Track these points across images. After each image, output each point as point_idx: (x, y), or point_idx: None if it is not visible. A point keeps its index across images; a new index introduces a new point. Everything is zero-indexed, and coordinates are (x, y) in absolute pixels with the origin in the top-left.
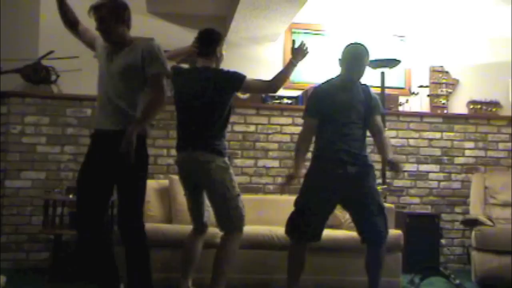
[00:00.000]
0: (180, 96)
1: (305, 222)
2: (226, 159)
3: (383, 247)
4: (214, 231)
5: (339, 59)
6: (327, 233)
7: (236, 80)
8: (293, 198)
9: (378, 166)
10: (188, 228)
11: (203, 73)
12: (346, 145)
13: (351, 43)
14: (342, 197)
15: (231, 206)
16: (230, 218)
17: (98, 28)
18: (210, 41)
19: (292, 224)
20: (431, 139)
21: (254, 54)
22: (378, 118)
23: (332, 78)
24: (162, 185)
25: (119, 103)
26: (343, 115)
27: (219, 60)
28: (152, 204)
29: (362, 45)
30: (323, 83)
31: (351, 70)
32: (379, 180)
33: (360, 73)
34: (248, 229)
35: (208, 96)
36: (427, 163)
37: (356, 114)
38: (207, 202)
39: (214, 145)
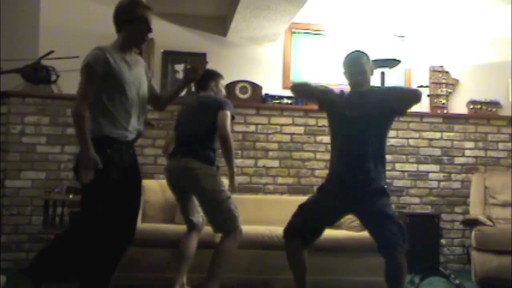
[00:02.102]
0: (179, 117)
1: (301, 220)
2: (215, 168)
3: (396, 254)
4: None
5: (343, 73)
6: (327, 233)
7: (217, 106)
8: (293, 198)
9: None
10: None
11: (200, 99)
12: (348, 166)
13: (349, 53)
14: (346, 213)
15: (223, 209)
16: (224, 220)
17: (150, 31)
18: (205, 77)
19: (291, 221)
20: (431, 139)
21: (254, 54)
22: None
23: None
24: (162, 185)
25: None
26: (347, 132)
27: (217, 92)
28: (152, 204)
29: (358, 51)
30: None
31: (352, 80)
32: None
33: (361, 78)
34: (248, 229)
35: (197, 116)
36: (427, 163)
37: (365, 129)
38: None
39: (201, 154)
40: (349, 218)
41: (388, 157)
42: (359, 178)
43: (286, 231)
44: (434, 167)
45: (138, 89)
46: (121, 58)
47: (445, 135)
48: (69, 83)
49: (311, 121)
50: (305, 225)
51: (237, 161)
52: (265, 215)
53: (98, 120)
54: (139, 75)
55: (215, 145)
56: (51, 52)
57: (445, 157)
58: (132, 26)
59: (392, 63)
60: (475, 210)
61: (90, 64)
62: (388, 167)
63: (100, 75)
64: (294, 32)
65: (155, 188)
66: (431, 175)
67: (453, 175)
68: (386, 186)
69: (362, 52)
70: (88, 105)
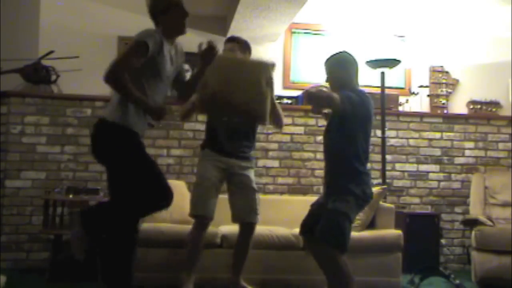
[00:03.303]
0: None
1: (307, 217)
2: (202, 151)
3: None
4: (214, 231)
5: None
6: None
7: None
8: (293, 198)
9: (378, 166)
10: (186, 227)
11: None
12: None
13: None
14: None
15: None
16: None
17: (187, 14)
18: None
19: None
20: (431, 139)
21: (254, 54)
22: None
23: None
24: None
25: None
26: None
27: None
28: None
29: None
30: None
31: None
32: (379, 180)
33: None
34: None
35: None
36: (427, 163)
37: (328, 125)
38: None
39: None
40: None
41: (388, 157)
42: (325, 173)
43: (300, 228)
44: (434, 167)
45: (167, 85)
46: (168, 51)
47: (445, 135)
48: (69, 83)
49: (311, 121)
50: (310, 222)
51: None
52: (265, 215)
53: (128, 111)
54: (175, 70)
55: (209, 126)
56: (51, 52)
57: (445, 157)
58: (169, 14)
59: (392, 63)
60: (475, 210)
61: (142, 40)
62: (388, 167)
63: (150, 52)
64: (294, 32)
65: None
66: (431, 175)
67: (453, 175)
68: (349, 187)
69: (333, 55)
70: (125, 71)
